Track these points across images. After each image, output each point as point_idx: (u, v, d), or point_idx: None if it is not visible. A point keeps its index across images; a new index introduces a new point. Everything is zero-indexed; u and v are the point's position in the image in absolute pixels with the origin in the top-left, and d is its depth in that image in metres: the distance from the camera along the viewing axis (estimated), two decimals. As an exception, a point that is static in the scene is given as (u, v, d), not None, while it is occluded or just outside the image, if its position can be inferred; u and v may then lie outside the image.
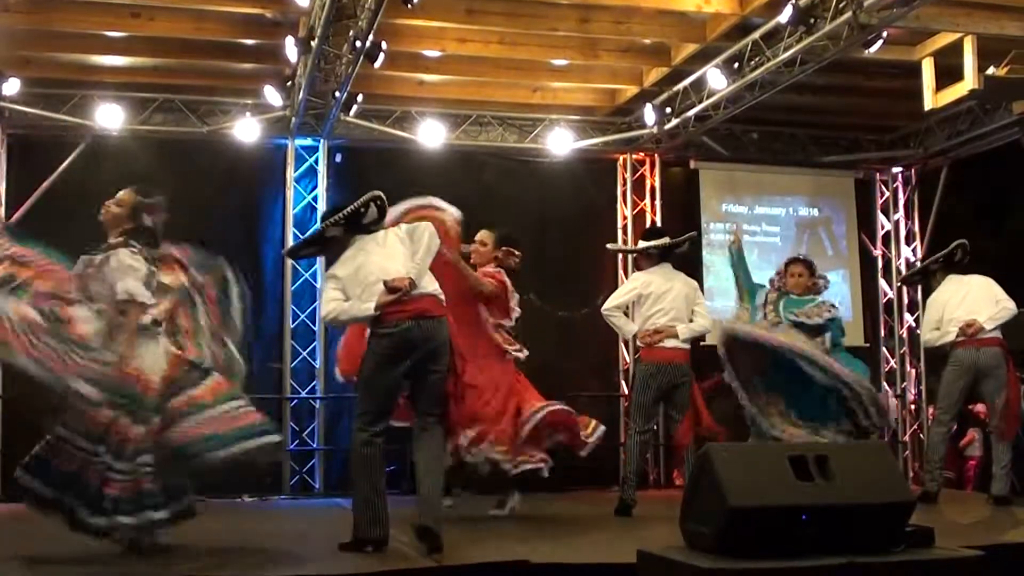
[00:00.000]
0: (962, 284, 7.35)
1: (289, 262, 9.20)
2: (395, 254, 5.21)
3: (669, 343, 6.92)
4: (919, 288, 10.12)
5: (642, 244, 7.34)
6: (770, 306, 7.13)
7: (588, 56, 9.04)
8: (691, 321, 7.01)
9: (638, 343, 7.18)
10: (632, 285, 7.23)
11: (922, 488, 7.14)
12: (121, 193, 5.31)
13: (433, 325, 5.11)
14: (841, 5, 7.10)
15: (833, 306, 7.19)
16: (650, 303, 7.00)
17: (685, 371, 6.96)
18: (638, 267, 7.46)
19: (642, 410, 6.98)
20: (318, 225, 5.67)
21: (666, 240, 7.24)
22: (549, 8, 8.19)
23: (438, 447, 5.28)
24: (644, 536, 5.81)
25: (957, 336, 7.17)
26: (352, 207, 5.28)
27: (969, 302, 7.23)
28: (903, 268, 10.82)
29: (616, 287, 9.42)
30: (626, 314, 7.36)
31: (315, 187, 9.52)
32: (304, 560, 4.98)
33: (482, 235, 6.99)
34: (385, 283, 5.01)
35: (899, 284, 10.45)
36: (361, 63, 7.62)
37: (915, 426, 10.57)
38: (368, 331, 5.18)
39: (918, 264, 10.68)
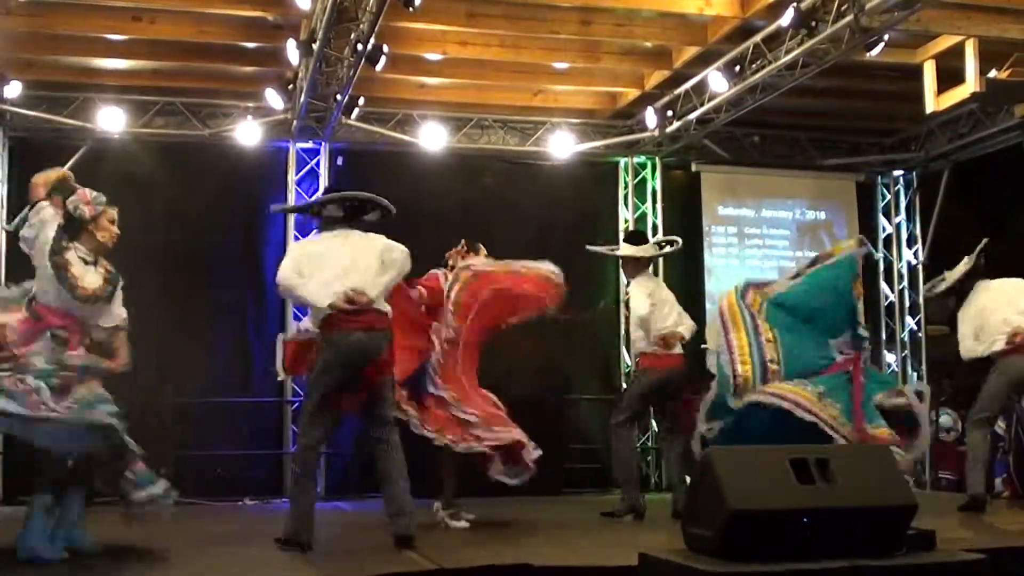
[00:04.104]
0: (996, 290, 7.12)
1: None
2: (361, 259, 5.30)
3: (678, 349, 7.06)
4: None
5: (633, 249, 7.27)
6: None
7: (589, 59, 9.04)
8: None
9: (651, 350, 6.99)
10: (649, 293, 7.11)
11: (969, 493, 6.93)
12: (115, 214, 5.27)
13: (377, 337, 5.21)
14: (843, 8, 7.10)
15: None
16: (666, 310, 7.08)
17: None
18: (630, 271, 7.35)
19: (639, 414, 7.12)
20: (319, 197, 5.77)
21: (654, 248, 7.32)
22: (550, 11, 8.19)
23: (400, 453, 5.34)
24: (646, 539, 5.81)
25: (1006, 344, 6.88)
26: (359, 200, 5.42)
27: (1009, 309, 6.98)
28: (904, 271, 10.83)
29: (618, 290, 9.46)
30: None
31: (316, 190, 9.49)
32: (304, 561, 4.97)
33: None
34: (348, 293, 5.10)
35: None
36: (362, 66, 7.63)
37: (917, 429, 10.54)
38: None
39: (920, 267, 10.68)
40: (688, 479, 6.79)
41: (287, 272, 5.26)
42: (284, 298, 5.47)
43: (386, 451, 5.23)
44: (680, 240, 7.59)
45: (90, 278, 4.99)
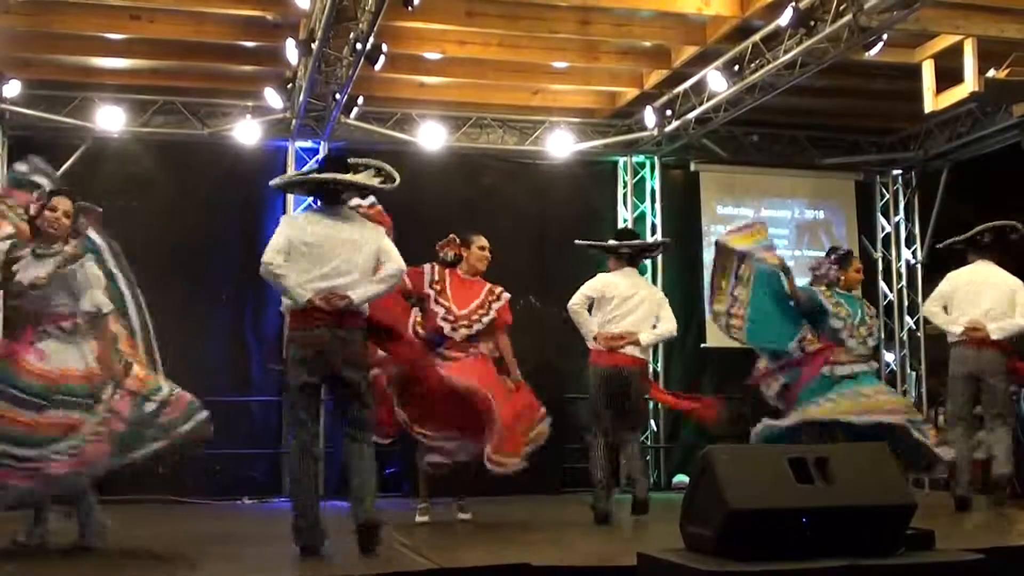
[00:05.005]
0: (967, 279, 7.11)
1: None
2: (358, 256, 5.07)
3: (629, 349, 6.64)
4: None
5: (612, 243, 7.00)
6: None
7: (588, 58, 9.05)
8: (654, 327, 6.76)
9: (597, 346, 6.70)
10: (595, 284, 6.78)
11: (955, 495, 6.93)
12: (63, 202, 5.21)
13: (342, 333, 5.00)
14: (841, 7, 7.11)
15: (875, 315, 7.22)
16: (612, 306, 6.67)
17: (637, 377, 6.75)
18: (611, 266, 6.98)
19: (602, 414, 6.71)
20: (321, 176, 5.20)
21: (637, 242, 7.15)
22: (549, 10, 8.19)
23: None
24: (644, 538, 5.82)
25: (961, 335, 6.93)
26: (377, 183, 5.21)
27: (985, 301, 6.97)
28: (903, 271, 10.85)
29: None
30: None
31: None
32: (302, 561, 4.97)
33: (485, 242, 6.86)
34: (328, 296, 4.90)
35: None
36: (361, 65, 7.63)
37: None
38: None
39: (919, 266, 10.71)
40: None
41: (272, 255, 4.94)
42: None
43: (360, 450, 5.01)
44: (667, 241, 7.59)
45: (32, 271, 5.07)
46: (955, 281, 7.13)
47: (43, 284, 5.06)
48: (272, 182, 5.34)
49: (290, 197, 9.37)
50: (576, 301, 6.70)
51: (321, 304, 4.89)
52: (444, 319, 6.56)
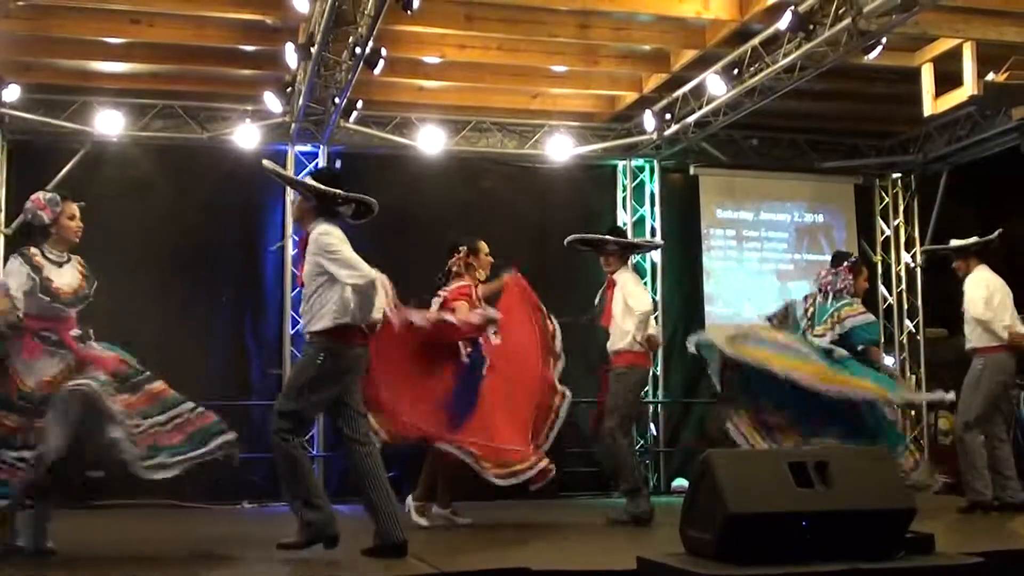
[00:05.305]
0: (999, 283, 7.19)
1: (288, 270, 9.19)
2: None
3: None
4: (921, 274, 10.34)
5: (632, 240, 7.29)
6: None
7: (588, 62, 9.05)
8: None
9: (638, 348, 6.81)
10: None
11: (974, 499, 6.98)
12: (76, 208, 5.18)
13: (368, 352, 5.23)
14: (840, 11, 7.11)
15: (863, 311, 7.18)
16: None
17: None
18: (606, 263, 7.10)
19: (633, 416, 6.86)
20: (349, 193, 5.15)
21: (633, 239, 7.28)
22: (549, 14, 8.19)
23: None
24: (644, 542, 5.82)
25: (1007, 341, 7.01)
26: (372, 207, 5.19)
27: (1012, 309, 7.13)
28: (903, 274, 10.85)
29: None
30: None
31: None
32: (303, 566, 4.97)
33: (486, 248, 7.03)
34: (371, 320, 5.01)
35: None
36: (361, 69, 7.63)
37: (916, 431, 10.55)
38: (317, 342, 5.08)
39: (918, 269, 10.72)
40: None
41: (368, 267, 4.91)
42: (361, 290, 4.87)
43: (370, 451, 5.09)
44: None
45: (60, 278, 5.00)
46: (990, 285, 7.20)
47: (87, 293, 5.07)
48: (338, 192, 5.18)
49: (290, 202, 9.35)
50: (650, 305, 6.95)
51: (363, 326, 5.00)
52: (495, 333, 6.78)
